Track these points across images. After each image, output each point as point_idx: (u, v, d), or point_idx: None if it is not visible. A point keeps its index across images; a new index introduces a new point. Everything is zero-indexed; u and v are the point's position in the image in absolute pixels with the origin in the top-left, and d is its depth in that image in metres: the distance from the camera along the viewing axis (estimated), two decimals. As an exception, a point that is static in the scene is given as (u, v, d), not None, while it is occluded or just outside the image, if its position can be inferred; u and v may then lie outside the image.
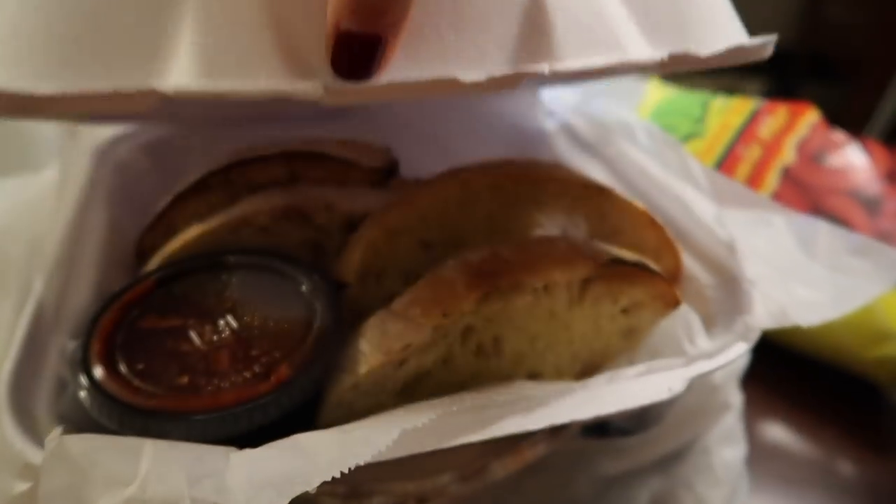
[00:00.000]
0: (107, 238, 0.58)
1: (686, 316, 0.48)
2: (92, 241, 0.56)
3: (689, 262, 0.55)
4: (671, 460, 0.58)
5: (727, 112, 0.75)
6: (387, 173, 0.55)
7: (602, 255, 0.47)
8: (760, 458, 0.62)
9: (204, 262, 0.52)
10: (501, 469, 0.49)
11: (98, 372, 0.43)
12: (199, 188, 0.55)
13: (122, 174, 0.64)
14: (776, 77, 2.07)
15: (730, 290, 0.51)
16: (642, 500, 0.57)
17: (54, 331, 0.47)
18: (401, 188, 0.56)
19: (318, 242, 0.54)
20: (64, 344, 0.47)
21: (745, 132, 0.73)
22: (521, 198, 0.50)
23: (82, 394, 0.43)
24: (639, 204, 0.52)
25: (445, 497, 0.48)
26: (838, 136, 0.72)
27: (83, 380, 0.43)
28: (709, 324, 0.50)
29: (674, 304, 0.51)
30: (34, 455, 0.37)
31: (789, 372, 0.66)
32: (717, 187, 0.59)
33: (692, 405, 0.58)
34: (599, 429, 0.56)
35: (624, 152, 0.65)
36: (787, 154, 0.70)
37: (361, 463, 0.34)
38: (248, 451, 0.36)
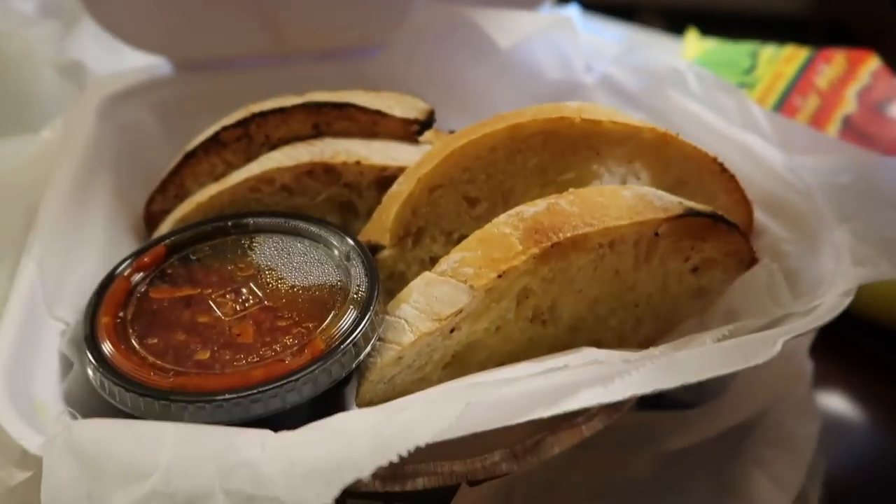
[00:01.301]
0: (113, 203, 0.52)
1: (768, 274, 0.43)
2: (97, 206, 0.51)
3: (760, 216, 0.49)
4: (738, 435, 0.52)
5: (779, 61, 0.70)
6: (422, 125, 0.49)
7: (674, 207, 0.41)
8: (831, 431, 0.57)
9: (221, 226, 0.46)
10: (556, 445, 0.44)
11: (107, 348, 0.38)
12: (212, 145, 0.50)
13: (127, 135, 0.59)
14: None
15: (812, 244, 0.45)
16: (707, 477, 0.52)
17: (56, 304, 0.42)
18: (437, 141, 0.50)
19: (347, 201, 0.49)
20: (66, 318, 0.42)
21: (801, 81, 0.68)
22: (576, 145, 0.45)
23: (90, 372, 0.38)
24: (707, 151, 0.46)
25: (496, 476, 0.44)
26: (903, 84, 0.66)
27: (91, 357, 0.38)
28: (789, 281, 0.44)
29: (749, 261, 0.45)
30: (34, 442, 0.32)
31: (859, 339, 0.61)
32: (784, 133, 0.53)
33: (759, 375, 0.53)
34: (655, 401, 0.51)
35: (675, 102, 0.59)
36: (848, 103, 0.65)
37: (422, 445, 0.29)
38: (285, 435, 0.31)
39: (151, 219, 0.52)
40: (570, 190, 0.41)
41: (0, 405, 0.33)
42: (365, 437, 0.30)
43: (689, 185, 0.47)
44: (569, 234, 0.39)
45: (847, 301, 0.39)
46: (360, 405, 0.40)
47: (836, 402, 0.60)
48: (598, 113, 0.44)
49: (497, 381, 0.34)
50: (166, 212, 0.51)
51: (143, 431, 0.30)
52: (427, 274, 0.40)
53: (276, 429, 0.36)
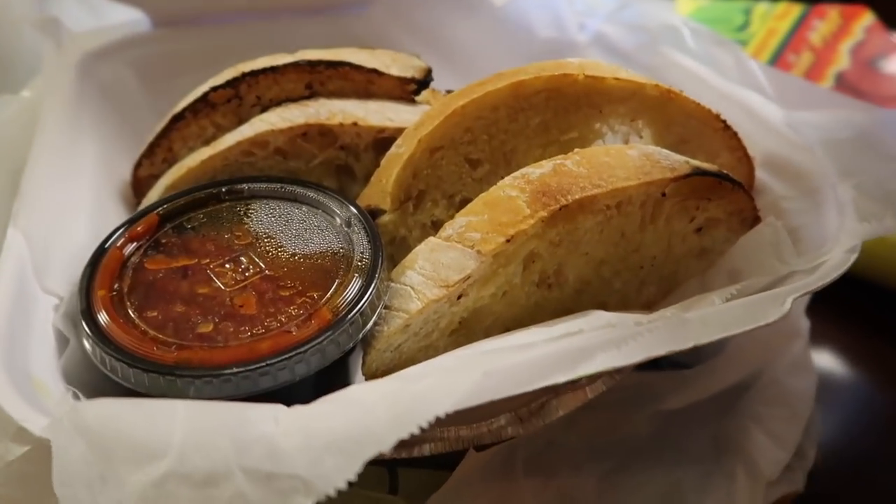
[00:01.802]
0: (98, 168, 0.50)
1: (773, 231, 0.42)
2: (82, 172, 0.49)
3: (760, 173, 0.49)
4: (736, 393, 0.53)
5: (772, 17, 0.69)
6: (419, 84, 0.48)
7: (681, 167, 0.40)
8: (827, 388, 0.58)
9: (214, 193, 0.45)
10: (560, 408, 0.44)
11: (105, 322, 0.37)
12: (201, 106, 0.48)
13: (108, 94, 0.56)
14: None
15: (814, 200, 0.45)
16: (705, 435, 0.53)
17: (46, 276, 0.40)
18: (434, 101, 0.49)
19: (344, 164, 0.48)
20: (59, 292, 0.40)
21: (794, 38, 0.67)
22: (579, 103, 0.43)
23: (89, 348, 0.36)
24: (710, 108, 0.45)
25: (502, 440, 0.43)
26: (897, 39, 0.66)
27: (89, 332, 0.36)
28: (791, 239, 0.44)
29: (752, 220, 0.45)
30: (38, 423, 0.31)
31: (854, 296, 0.61)
32: (782, 88, 0.53)
33: (756, 333, 0.53)
34: (653, 362, 0.51)
35: (671, 59, 0.58)
36: (842, 60, 0.64)
37: (441, 415, 0.28)
38: (298, 409, 0.30)
39: (139, 184, 0.51)
40: (576, 150, 0.40)
41: (-1, 385, 0.32)
42: (382, 409, 0.29)
43: (690, 144, 0.46)
44: (577, 196, 0.38)
45: (853, 257, 0.39)
46: (366, 374, 0.40)
47: (831, 360, 0.61)
48: (602, 70, 0.43)
49: (511, 347, 0.34)
50: (155, 177, 0.50)
51: (153, 409, 0.29)
52: (432, 239, 0.39)
53: (283, 401, 0.35)
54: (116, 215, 0.49)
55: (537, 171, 0.39)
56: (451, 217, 0.45)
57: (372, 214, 0.44)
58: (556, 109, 0.44)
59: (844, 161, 0.45)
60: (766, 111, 0.51)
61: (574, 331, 0.34)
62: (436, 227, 0.45)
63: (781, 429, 0.50)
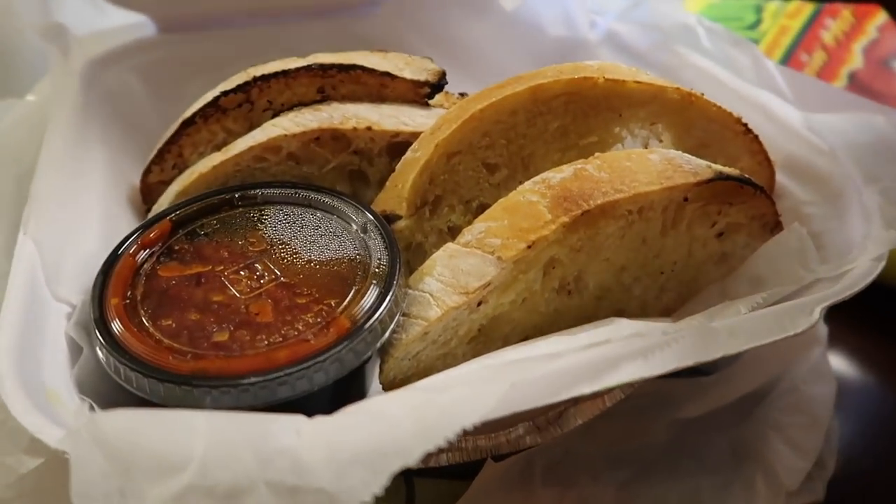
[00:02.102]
0: (107, 175, 0.50)
1: (798, 238, 0.42)
2: (91, 179, 0.48)
3: (780, 177, 0.48)
4: (754, 401, 0.52)
5: (784, 15, 0.68)
6: (433, 88, 0.47)
7: (704, 171, 0.40)
8: (845, 395, 0.57)
9: (227, 199, 0.44)
10: (578, 417, 0.43)
11: (119, 331, 0.36)
12: (212, 112, 0.47)
13: (115, 101, 0.56)
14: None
15: (837, 206, 0.44)
16: (723, 443, 0.52)
17: (58, 284, 0.40)
18: (448, 104, 0.48)
19: (357, 169, 0.47)
20: (71, 300, 0.40)
21: (807, 36, 0.66)
22: (598, 107, 0.43)
23: (103, 357, 0.36)
24: (731, 111, 0.45)
25: (521, 450, 0.43)
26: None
27: (103, 341, 0.36)
28: (816, 242, 0.43)
29: (773, 225, 0.44)
30: (49, 432, 0.30)
31: (871, 301, 0.60)
32: (801, 89, 0.52)
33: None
34: (673, 369, 0.50)
35: (686, 59, 0.57)
36: (855, 59, 0.63)
37: (469, 427, 0.28)
38: (321, 421, 0.30)
39: (149, 190, 0.50)
40: (597, 155, 0.40)
41: (12, 396, 0.31)
42: (408, 421, 0.29)
43: (711, 148, 0.46)
44: (599, 201, 0.38)
45: (880, 265, 0.39)
46: (383, 382, 0.39)
47: (847, 364, 0.60)
48: (622, 73, 0.43)
49: (537, 357, 0.33)
50: (164, 183, 0.49)
51: (173, 422, 0.28)
52: (450, 245, 0.38)
53: (300, 410, 0.34)
54: (126, 222, 0.48)
55: (558, 175, 0.39)
56: (469, 223, 0.44)
57: (388, 220, 0.43)
58: (576, 113, 0.43)
59: (868, 166, 0.44)
60: (786, 114, 0.50)
61: (600, 340, 0.34)
62: (452, 232, 0.44)
63: (801, 437, 0.49)
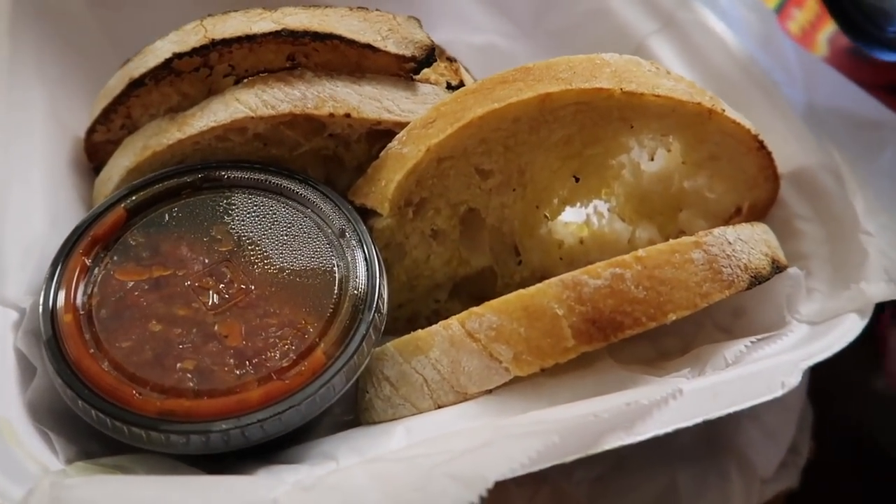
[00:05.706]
0: (48, 127, 0.44)
1: (793, 284, 0.41)
2: (29, 131, 0.43)
3: (782, 183, 0.46)
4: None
5: (749, 6, 0.63)
6: (419, 63, 0.42)
7: (740, 280, 0.37)
8: (819, 379, 0.58)
9: (189, 182, 0.40)
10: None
11: (75, 356, 0.33)
12: (164, 74, 0.41)
13: (50, 23, 0.48)
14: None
15: (831, 230, 0.43)
16: (697, 433, 0.53)
17: (3, 282, 0.36)
18: (448, 73, 0.44)
19: (333, 154, 0.43)
20: (18, 302, 0.36)
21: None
22: (610, 117, 0.39)
23: (59, 386, 0.33)
24: (747, 124, 0.42)
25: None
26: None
27: (56, 369, 0.33)
28: (799, 265, 0.42)
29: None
30: (7, 489, 0.28)
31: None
32: (812, 75, 0.50)
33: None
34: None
35: (699, 17, 0.53)
36: (820, 49, 0.60)
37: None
38: (300, 495, 0.28)
39: (94, 150, 0.45)
40: (638, 256, 0.36)
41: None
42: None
43: (720, 161, 0.43)
44: (627, 333, 0.35)
45: (864, 323, 0.38)
46: (362, 421, 0.38)
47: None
48: (640, 81, 0.38)
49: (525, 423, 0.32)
50: (112, 143, 0.44)
51: (148, 491, 0.27)
52: (453, 326, 0.36)
53: (271, 446, 0.34)
54: (74, 189, 0.44)
55: (592, 282, 0.35)
56: (455, 227, 0.42)
57: (367, 213, 0.40)
58: (584, 123, 0.39)
59: (872, 188, 0.43)
60: (793, 102, 0.48)
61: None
62: (436, 236, 0.42)
63: (774, 424, 0.49)
